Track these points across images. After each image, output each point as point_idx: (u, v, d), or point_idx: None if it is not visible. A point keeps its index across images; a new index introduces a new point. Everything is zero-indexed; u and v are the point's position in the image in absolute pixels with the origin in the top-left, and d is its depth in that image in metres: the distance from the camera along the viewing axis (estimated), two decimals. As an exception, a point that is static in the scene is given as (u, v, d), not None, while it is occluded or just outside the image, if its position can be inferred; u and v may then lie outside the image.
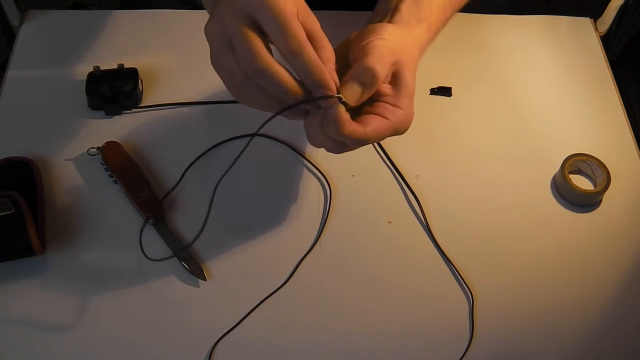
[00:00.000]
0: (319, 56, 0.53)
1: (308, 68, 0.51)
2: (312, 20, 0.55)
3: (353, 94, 0.54)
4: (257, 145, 0.72)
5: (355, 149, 0.58)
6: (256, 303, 0.63)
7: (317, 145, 0.57)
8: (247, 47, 0.51)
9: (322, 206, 0.69)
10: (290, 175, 0.71)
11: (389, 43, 0.56)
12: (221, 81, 0.55)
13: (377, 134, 0.55)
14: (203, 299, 0.63)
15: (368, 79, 0.54)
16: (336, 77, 0.53)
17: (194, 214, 0.68)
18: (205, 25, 0.54)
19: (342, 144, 0.56)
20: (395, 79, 0.57)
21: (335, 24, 0.79)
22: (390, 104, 0.56)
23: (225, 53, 0.52)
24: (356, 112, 0.56)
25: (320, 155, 0.72)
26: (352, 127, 0.54)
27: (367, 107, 0.57)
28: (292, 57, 0.51)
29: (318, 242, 0.67)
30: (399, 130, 0.57)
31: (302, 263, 0.65)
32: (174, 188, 0.68)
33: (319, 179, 0.71)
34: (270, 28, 0.51)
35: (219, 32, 0.53)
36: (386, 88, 0.57)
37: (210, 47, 0.54)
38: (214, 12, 0.53)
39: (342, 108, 0.53)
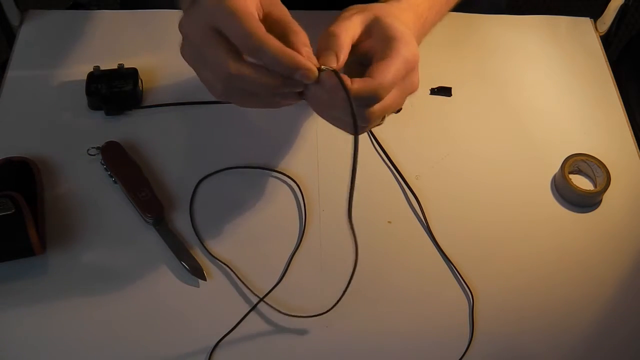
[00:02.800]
0: (293, 41, 0.53)
1: (275, 57, 0.51)
2: (280, 8, 0.55)
3: (330, 60, 0.54)
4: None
5: (379, 117, 0.56)
6: (257, 303, 0.63)
7: (341, 125, 0.57)
8: (215, 55, 0.52)
9: (307, 209, 0.69)
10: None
11: (351, 11, 0.57)
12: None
13: (390, 76, 0.54)
14: (203, 299, 0.63)
15: (332, 41, 0.54)
16: (314, 58, 0.53)
17: (194, 214, 0.68)
18: (180, 50, 0.56)
19: (361, 115, 0.55)
20: (375, 30, 0.57)
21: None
22: (385, 43, 0.56)
23: (202, 70, 0.54)
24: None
25: (320, 156, 0.72)
26: (358, 82, 0.53)
27: (369, 67, 0.56)
28: (257, 53, 0.51)
29: (319, 242, 0.67)
30: (409, 60, 0.55)
31: (301, 263, 0.65)
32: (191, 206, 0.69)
33: (290, 185, 0.71)
34: (229, 33, 0.51)
35: (191, 53, 0.55)
36: (372, 41, 0.57)
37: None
38: (181, 32, 0.55)
39: (333, 73, 0.53)
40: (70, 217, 0.66)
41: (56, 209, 0.67)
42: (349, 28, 0.56)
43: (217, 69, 0.52)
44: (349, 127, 0.56)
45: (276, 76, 0.52)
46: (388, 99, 0.55)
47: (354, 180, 0.53)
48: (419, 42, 0.62)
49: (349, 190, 0.54)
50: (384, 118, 0.58)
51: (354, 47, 0.57)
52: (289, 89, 0.53)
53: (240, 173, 0.71)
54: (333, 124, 0.58)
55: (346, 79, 0.53)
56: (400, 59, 0.55)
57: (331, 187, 0.70)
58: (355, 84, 0.53)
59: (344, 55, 0.54)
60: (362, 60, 0.57)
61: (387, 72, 0.54)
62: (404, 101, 0.58)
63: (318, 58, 0.54)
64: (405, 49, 0.55)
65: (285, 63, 0.51)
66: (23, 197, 0.62)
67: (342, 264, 0.65)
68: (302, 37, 0.54)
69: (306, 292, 0.64)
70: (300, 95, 0.56)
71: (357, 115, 0.53)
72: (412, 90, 0.58)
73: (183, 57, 0.55)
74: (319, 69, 0.53)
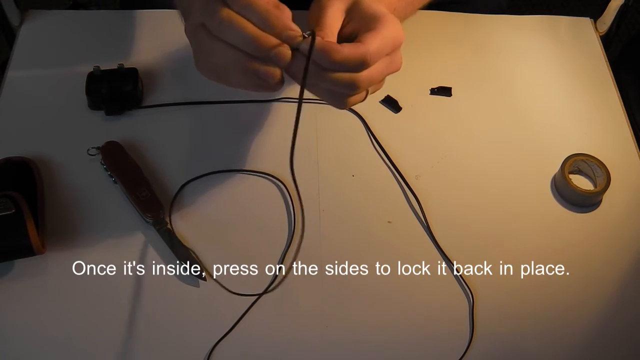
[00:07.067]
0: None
1: (262, 14, 0.52)
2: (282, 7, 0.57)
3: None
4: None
5: (366, 87, 0.56)
6: (253, 302, 0.63)
7: (326, 97, 0.57)
8: (211, 9, 0.53)
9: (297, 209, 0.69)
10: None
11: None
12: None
13: (378, 43, 0.54)
14: (203, 299, 0.63)
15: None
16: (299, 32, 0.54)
17: (194, 214, 0.68)
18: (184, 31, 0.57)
19: (350, 82, 0.55)
20: (356, 13, 0.57)
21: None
22: (370, 22, 0.56)
23: (196, 34, 0.55)
24: None
25: (320, 156, 0.72)
26: (345, 48, 0.53)
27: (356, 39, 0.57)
28: (245, 8, 0.52)
29: (319, 241, 0.67)
30: (395, 37, 0.56)
31: (301, 264, 0.65)
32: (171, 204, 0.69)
33: (279, 186, 0.71)
34: None
35: (192, 25, 0.56)
36: (354, 24, 0.57)
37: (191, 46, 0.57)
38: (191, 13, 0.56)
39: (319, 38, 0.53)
40: (70, 217, 0.66)
41: (56, 209, 0.67)
42: (335, 17, 0.57)
43: (209, 20, 0.53)
44: (336, 99, 0.57)
45: (262, 33, 0.53)
46: (374, 69, 0.56)
47: (296, 132, 0.54)
48: None
49: (290, 146, 0.55)
50: (367, 94, 0.59)
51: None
52: (272, 52, 0.53)
53: (241, 173, 0.71)
54: (318, 96, 0.58)
55: (335, 44, 0.54)
56: (387, 33, 0.56)
57: (331, 187, 0.70)
58: (346, 49, 0.53)
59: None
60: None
61: (375, 40, 0.55)
62: (384, 80, 0.59)
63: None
64: (392, 26, 0.56)
65: (272, 22, 0.52)
66: (23, 197, 0.62)
67: (342, 263, 0.66)
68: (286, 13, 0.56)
69: (302, 290, 0.64)
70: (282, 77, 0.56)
71: (346, 84, 0.55)
72: (396, 68, 0.59)
73: (187, 36, 0.57)
74: (304, 36, 0.54)
